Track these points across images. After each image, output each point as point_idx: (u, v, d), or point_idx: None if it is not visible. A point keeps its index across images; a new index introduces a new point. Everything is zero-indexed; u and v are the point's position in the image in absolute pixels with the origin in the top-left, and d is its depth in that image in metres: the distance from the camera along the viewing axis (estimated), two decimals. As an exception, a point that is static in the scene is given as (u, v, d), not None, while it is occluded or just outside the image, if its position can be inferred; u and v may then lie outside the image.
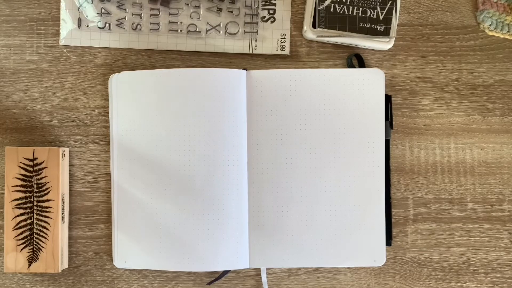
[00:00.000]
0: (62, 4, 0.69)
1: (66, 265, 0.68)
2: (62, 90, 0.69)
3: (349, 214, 0.66)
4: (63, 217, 0.66)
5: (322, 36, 0.68)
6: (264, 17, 0.69)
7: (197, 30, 0.69)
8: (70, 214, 0.69)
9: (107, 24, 0.69)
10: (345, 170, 0.66)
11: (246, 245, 0.67)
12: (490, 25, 0.69)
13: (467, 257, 0.69)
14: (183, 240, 0.66)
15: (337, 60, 0.70)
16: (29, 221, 0.65)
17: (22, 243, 0.65)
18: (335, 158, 0.66)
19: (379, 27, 0.67)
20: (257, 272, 0.69)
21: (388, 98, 0.68)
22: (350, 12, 0.67)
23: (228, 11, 0.69)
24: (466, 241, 0.69)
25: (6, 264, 0.65)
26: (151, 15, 0.69)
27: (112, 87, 0.67)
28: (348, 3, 0.67)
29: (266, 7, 0.69)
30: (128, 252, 0.67)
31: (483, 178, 0.69)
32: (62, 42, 0.69)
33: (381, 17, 0.67)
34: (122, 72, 0.67)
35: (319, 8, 0.67)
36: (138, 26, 0.69)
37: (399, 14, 0.69)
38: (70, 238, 0.69)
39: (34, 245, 0.65)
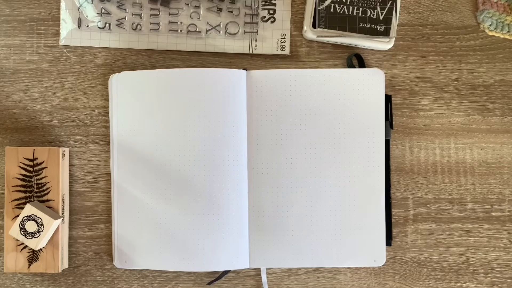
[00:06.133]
0: (62, 4, 0.69)
1: (66, 265, 0.68)
2: (62, 90, 0.69)
3: (349, 214, 0.66)
4: (63, 217, 0.66)
5: (322, 36, 0.68)
6: (264, 17, 0.69)
7: (197, 30, 0.69)
8: (70, 214, 0.69)
9: (107, 24, 0.69)
10: (345, 170, 0.66)
11: (246, 245, 0.67)
12: (490, 25, 0.69)
13: (467, 257, 0.69)
14: (183, 240, 0.66)
15: (337, 60, 0.70)
16: (29, 221, 0.65)
17: (22, 243, 0.65)
18: (335, 158, 0.66)
19: (379, 27, 0.67)
20: (257, 272, 0.69)
21: (388, 98, 0.68)
22: (350, 12, 0.67)
23: (228, 11, 0.69)
24: (466, 241, 0.69)
25: (6, 264, 0.65)
26: (151, 15, 0.69)
27: (112, 87, 0.67)
28: (348, 3, 0.67)
29: (266, 7, 0.69)
30: (128, 252, 0.67)
31: (483, 178, 0.69)
32: (62, 42, 0.69)
33: (381, 17, 0.67)
34: (122, 72, 0.67)
35: (319, 8, 0.67)
36: (138, 26, 0.69)
37: (399, 14, 0.69)
38: (70, 238, 0.69)
39: (34, 245, 0.65)
